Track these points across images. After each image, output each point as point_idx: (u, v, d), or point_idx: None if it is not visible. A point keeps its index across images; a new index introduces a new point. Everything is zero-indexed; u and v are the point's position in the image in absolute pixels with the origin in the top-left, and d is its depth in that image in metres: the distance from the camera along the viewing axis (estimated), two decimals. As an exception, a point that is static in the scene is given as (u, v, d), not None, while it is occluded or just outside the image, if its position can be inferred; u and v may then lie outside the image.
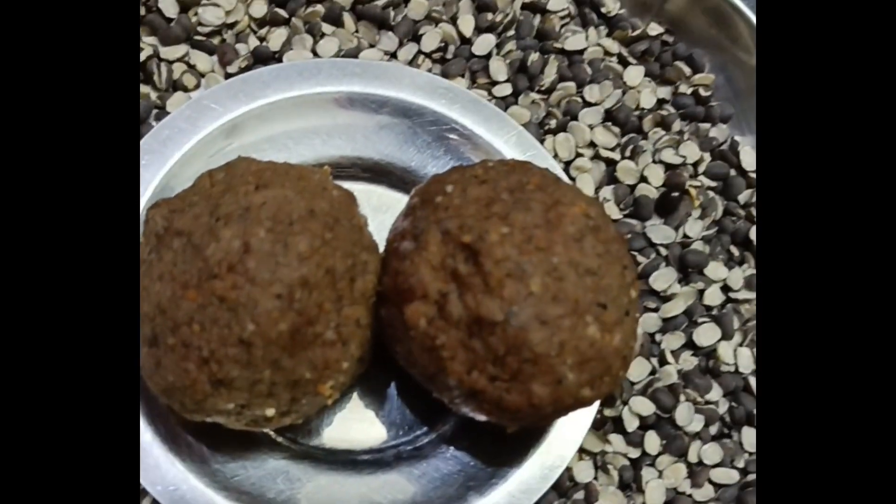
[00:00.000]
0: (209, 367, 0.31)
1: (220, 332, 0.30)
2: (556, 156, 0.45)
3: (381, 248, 0.36)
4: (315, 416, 0.39)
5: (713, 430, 0.42)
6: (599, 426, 0.42)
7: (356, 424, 0.40)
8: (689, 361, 0.43)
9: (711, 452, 0.42)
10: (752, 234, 0.45)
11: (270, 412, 0.33)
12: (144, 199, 0.39)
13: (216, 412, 0.32)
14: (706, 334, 0.43)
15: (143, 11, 0.45)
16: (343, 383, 0.34)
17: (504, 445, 0.38)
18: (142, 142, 0.40)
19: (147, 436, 0.36)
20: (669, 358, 0.42)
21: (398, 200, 0.43)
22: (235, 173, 0.34)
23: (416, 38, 0.47)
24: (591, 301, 0.31)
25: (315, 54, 0.45)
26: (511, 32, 0.48)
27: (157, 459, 0.36)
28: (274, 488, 0.38)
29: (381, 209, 0.42)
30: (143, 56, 0.43)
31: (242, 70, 0.44)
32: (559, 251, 0.31)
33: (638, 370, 0.42)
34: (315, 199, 0.33)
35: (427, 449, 0.39)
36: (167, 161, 0.40)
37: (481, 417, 0.33)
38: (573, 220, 0.32)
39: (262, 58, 0.45)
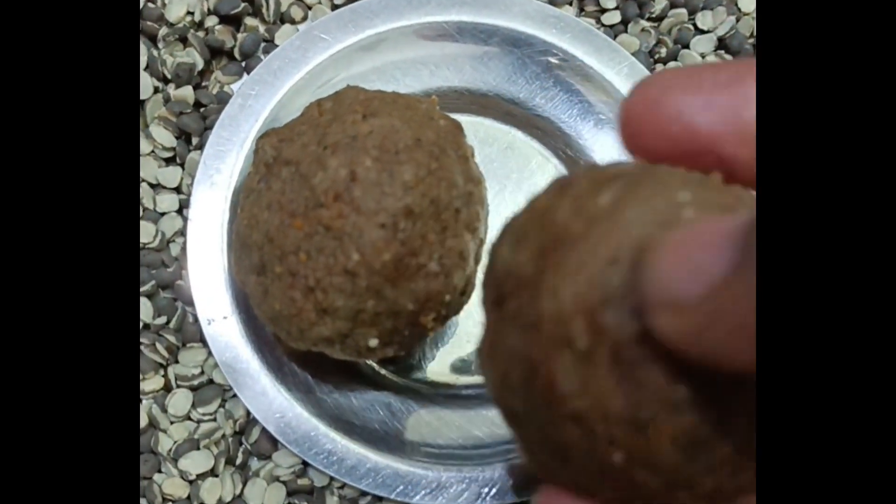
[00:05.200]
0: (315, 296, 0.31)
1: (325, 262, 0.30)
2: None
3: (487, 181, 0.35)
4: (418, 350, 0.39)
5: None
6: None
7: (458, 360, 0.40)
8: None
9: None
10: None
11: (373, 342, 0.32)
12: (255, 131, 0.39)
13: (321, 341, 0.32)
14: None
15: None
16: (445, 316, 0.33)
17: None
18: (252, 73, 0.40)
19: (254, 364, 0.37)
20: None
21: (505, 133, 0.42)
22: (343, 102, 0.33)
23: (526, -34, 0.45)
24: None
25: (423, -17, 0.44)
26: (621, -44, 0.46)
27: (264, 388, 0.37)
28: (377, 419, 0.38)
29: (487, 141, 0.42)
30: (251, -13, 0.43)
31: (349, 0, 0.43)
32: None
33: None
34: (422, 129, 0.32)
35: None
36: (277, 92, 0.40)
37: None
38: None
39: (370, -13, 0.44)
